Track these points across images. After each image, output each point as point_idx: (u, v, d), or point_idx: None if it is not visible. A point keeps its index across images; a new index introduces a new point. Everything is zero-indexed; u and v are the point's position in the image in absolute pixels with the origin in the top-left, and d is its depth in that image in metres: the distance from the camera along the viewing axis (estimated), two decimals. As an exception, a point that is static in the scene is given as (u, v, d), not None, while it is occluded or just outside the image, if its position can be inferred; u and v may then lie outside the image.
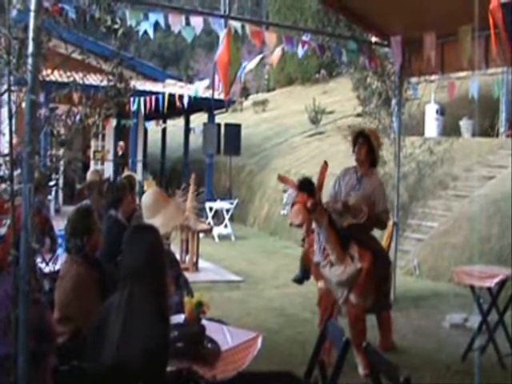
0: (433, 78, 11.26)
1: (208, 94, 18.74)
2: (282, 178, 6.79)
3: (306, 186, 6.24)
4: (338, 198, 6.82)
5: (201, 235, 12.58)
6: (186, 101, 13.68)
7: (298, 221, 6.23)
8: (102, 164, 20.67)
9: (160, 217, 5.71)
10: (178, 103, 14.08)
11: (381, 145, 7.17)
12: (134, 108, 14.97)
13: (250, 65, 8.87)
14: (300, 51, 8.66)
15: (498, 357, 6.68)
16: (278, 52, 8.66)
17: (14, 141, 3.45)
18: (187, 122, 23.99)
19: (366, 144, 6.82)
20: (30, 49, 3.36)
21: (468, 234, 11.26)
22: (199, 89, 14.52)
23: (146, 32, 7.54)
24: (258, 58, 8.98)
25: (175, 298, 5.58)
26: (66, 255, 4.73)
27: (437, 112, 18.49)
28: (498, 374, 6.41)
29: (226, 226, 16.70)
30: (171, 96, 14.63)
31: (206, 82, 15.27)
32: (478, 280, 6.83)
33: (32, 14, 3.37)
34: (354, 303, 6.39)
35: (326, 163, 6.35)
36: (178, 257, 9.26)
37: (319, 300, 6.89)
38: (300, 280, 7.95)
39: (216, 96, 18.62)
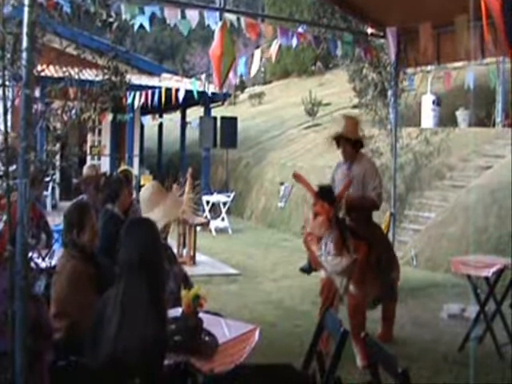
0: (429, 68, 11.28)
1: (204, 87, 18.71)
2: (297, 176, 6.64)
3: (327, 195, 6.14)
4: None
5: (198, 229, 12.60)
6: (181, 95, 13.67)
7: (320, 233, 6.16)
8: (99, 159, 20.65)
9: (158, 210, 5.71)
10: (173, 97, 14.07)
11: (359, 123, 7.08)
12: (130, 102, 14.96)
13: (254, 66, 8.86)
14: (294, 43, 8.63)
15: (496, 346, 6.69)
16: (275, 46, 8.63)
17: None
18: (183, 116, 23.95)
19: (347, 143, 6.80)
20: (25, 44, 3.36)
21: (465, 224, 11.27)
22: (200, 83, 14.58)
23: (141, 26, 7.51)
24: (258, 55, 8.94)
25: (170, 285, 5.56)
26: (63, 250, 4.72)
27: (433, 103, 18.48)
28: (495, 364, 6.43)
29: (222, 219, 16.70)
30: (168, 90, 14.62)
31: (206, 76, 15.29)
32: (475, 270, 6.85)
33: (26, 9, 3.37)
34: (354, 294, 6.40)
35: (350, 181, 6.38)
36: (175, 251, 9.27)
37: (321, 289, 6.87)
38: (308, 270, 7.85)
39: (212, 89, 18.61)
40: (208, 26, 7.66)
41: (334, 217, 6.13)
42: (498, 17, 4.52)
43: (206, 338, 3.97)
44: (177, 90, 14.10)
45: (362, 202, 6.70)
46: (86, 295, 4.29)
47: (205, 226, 14.34)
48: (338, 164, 7.12)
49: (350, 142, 6.80)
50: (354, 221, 6.57)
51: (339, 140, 6.87)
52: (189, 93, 13.68)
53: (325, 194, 6.15)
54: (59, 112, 3.86)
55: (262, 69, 38.63)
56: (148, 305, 3.42)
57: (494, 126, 17.44)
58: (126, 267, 3.53)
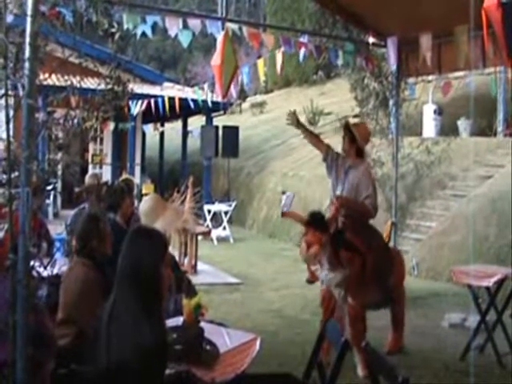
0: (430, 78, 11.28)
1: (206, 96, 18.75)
2: (286, 214, 6.72)
3: (319, 223, 6.13)
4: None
5: (199, 238, 12.59)
6: (190, 104, 13.71)
7: (315, 263, 6.17)
8: (101, 168, 20.66)
9: (159, 223, 5.69)
10: (176, 106, 14.09)
11: (367, 135, 7.06)
12: (131, 111, 14.98)
13: (260, 76, 8.96)
14: (301, 55, 8.68)
15: (497, 356, 6.69)
16: (279, 57, 8.66)
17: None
18: (185, 125, 23.97)
19: (347, 134, 6.77)
20: (27, 53, 3.37)
21: (466, 233, 11.26)
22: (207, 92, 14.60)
23: (144, 33, 7.51)
24: (261, 65, 9.04)
25: (177, 301, 5.55)
26: (75, 258, 4.74)
27: (434, 112, 18.49)
28: (496, 374, 6.42)
29: (224, 228, 16.71)
30: (170, 99, 14.65)
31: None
32: (476, 279, 6.85)
33: (29, 19, 3.38)
34: (352, 304, 6.38)
35: (337, 198, 6.35)
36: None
37: (321, 300, 6.87)
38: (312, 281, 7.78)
39: (214, 98, 18.65)
40: (210, 34, 7.67)
41: (327, 240, 6.12)
42: (499, 27, 4.52)
43: (207, 348, 3.97)
44: (180, 99, 14.14)
45: (355, 203, 6.64)
46: (95, 303, 4.28)
47: (206, 235, 14.34)
48: (339, 156, 6.98)
49: (350, 136, 6.76)
50: (351, 228, 6.54)
51: (346, 133, 6.84)
52: (191, 101, 13.70)
53: (316, 222, 6.15)
54: (61, 121, 3.88)
55: (264, 78, 38.72)
56: (139, 313, 3.36)
57: (495, 135, 17.43)
58: (118, 277, 3.50)
